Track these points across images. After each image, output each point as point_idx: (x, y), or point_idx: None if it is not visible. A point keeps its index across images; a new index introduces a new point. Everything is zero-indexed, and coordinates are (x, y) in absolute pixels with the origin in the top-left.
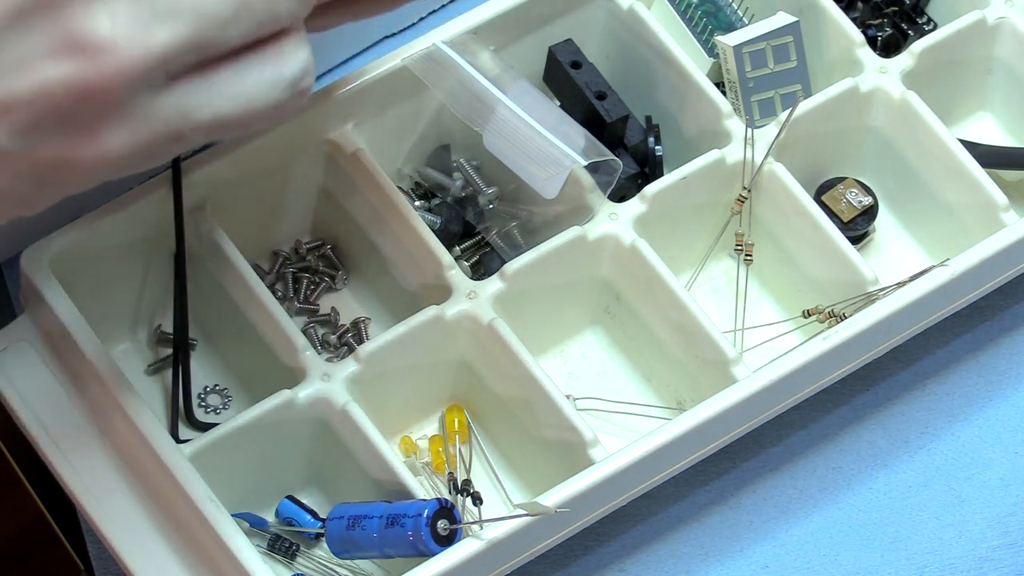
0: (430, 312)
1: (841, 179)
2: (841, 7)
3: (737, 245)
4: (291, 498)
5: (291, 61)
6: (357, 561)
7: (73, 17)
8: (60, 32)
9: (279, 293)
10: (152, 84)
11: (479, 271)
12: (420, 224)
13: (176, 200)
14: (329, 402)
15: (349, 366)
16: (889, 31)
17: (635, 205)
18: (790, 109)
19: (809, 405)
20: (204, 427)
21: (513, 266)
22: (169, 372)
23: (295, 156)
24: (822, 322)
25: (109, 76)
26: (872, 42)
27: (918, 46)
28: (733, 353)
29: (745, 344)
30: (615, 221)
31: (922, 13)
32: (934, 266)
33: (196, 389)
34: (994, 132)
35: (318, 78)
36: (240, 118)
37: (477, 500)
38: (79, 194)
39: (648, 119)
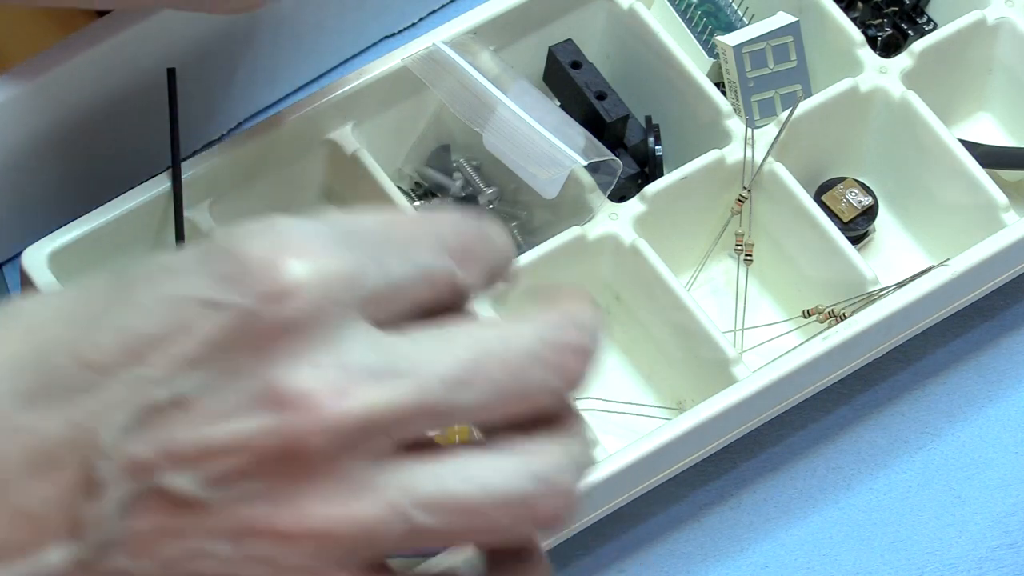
0: None
1: (841, 179)
2: (841, 7)
3: (737, 245)
4: None
5: (553, 453)
6: None
7: (275, 369)
8: (260, 384)
9: None
10: (371, 451)
11: None
12: None
13: (176, 200)
14: None
15: None
16: (889, 31)
17: (635, 205)
18: (790, 109)
19: (809, 405)
20: None
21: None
22: None
23: (295, 157)
24: (822, 322)
25: (308, 433)
26: (872, 42)
27: (918, 46)
28: (733, 353)
29: (745, 344)
30: (615, 221)
31: (922, 13)
32: (934, 266)
33: None
34: (994, 132)
35: (317, 79)
36: (478, 504)
37: None
38: (79, 192)
39: (648, 119)
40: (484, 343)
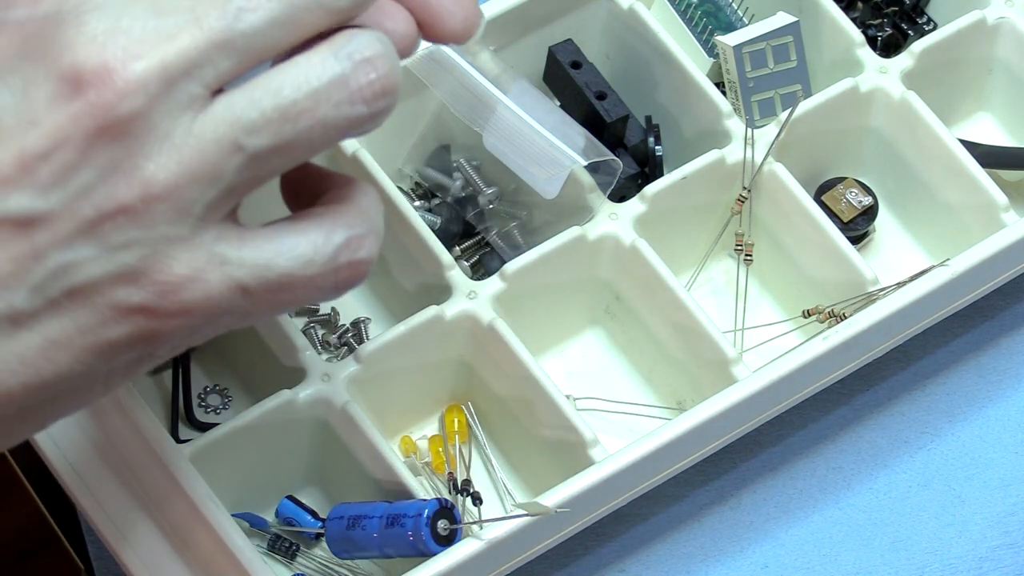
0: (430, 312)
1: (841, 179)
2: (841, 7)
3: (737, 245)
4: (291, 498)
5: (353, 35)
6: (357, 561)
7: (62, 58)
8: (54, 77)
9: None
10: (185, 100)
11: (479, 271)
12: (420, 224)
13: None
14: (329, 402)
15: (349, 366)
16: (889, 31)
17: (635, 205)
18: (790, 109)
19: (809, 405)
20: (204, 427)
21: (513, 266)
22: (169, 372)
23: None
24: (822, 322)
25: (115, 100)
26: (872, 42)
27: (918, 46)
28: (733, 353)
29: (745, 344)
30: (615, 221)
31: (922, 13)
32: (934, 266)
33: (196, 389)
34: (994, 132)
35: None
36: (297, 103)
37: (477, 500)
38: None
39: (648, 119)
40: None
